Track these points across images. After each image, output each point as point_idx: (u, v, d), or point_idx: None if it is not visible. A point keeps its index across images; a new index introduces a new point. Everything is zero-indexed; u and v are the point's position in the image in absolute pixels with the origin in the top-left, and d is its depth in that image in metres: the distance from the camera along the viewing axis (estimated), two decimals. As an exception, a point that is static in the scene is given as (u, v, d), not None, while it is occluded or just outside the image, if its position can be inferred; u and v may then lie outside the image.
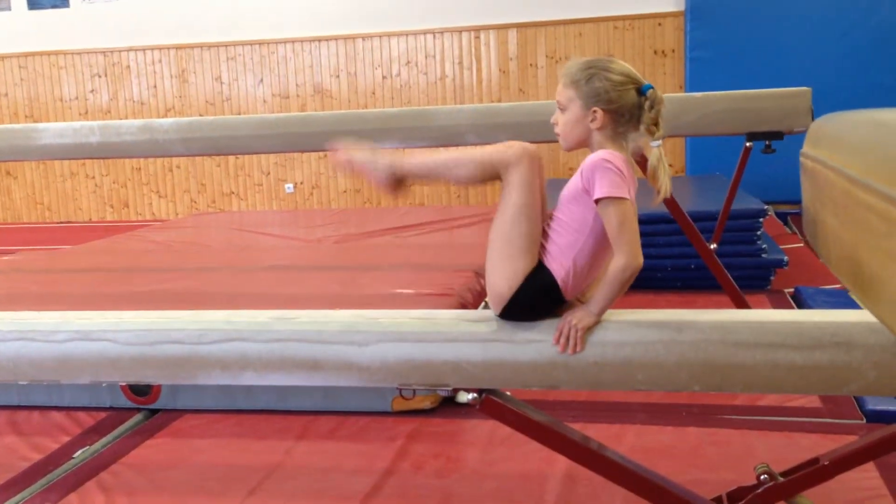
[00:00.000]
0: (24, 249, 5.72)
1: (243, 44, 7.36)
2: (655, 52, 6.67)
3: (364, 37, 7.17)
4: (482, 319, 1.74)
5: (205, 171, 7.58)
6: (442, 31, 7.03)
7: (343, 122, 3.51)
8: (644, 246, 4.29)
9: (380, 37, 7.15)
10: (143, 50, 7.51)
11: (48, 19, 7.60)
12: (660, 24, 6.64)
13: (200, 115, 7.40)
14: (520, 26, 6.90)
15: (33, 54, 7.65)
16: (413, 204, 7.13)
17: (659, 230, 4.10)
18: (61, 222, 7.79)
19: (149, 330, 1.81)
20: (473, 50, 7.01)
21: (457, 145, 3.23)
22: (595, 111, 1.68)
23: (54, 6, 7.54)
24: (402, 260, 3.92)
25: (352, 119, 3.52)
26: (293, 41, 7.30)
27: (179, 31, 7.41)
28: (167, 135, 3.52)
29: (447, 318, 1.75)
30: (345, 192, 7.41)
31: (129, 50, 7.52)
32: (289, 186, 7.49)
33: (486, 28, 6.94)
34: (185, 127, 3.57)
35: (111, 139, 3.51)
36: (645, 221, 4.12)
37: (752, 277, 4.01)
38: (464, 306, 3.13)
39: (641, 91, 1.71)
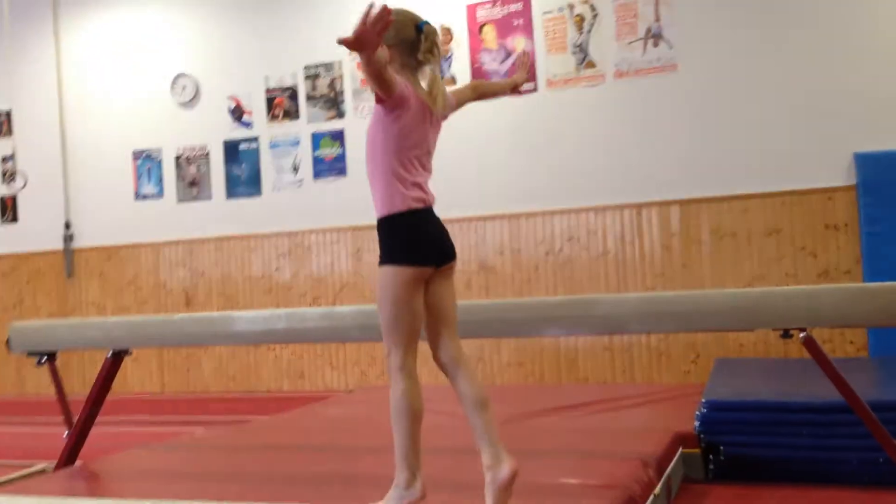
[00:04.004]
0: (210, 421, 6.14)
1: (414, 224, 7.83)
2: (827, 227, 6.51)
3: (527, 215, 7.46)
4: (650, 533, 1.72)
5: (374, 344, 7.90)
6: (604, 208, 7.21)
7: (506, 309, 3.65)
8: (824, 437, 4.05)
9: (542, 215, 7.42)
10: (323, 231, 8.13)
11: (242, 207, 8.44)
12: (830, 199, 6.51)
13: (372, 291, 7.83)
14: (682, 203, 6.96)
15: (229, 238, 8.45)
16: (577, 380, 7.09)
17: (841, 420, 3.86)
18: (243, 393, 8.29)
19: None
20: (635, 226, 7.11)
21: (620, 334, 3.26)
22: (383, 48, 2.08)
23: (249, 195, 8.39)
24: (565, 445, 3.90)
25: (515, 307, 3.65)
26: (460, 220, 7.68)
27: (357, 214, 8.00)
28: (345, 321, 3.80)
29: (614, 530, 1.75)
30: (508, 365, 7.49)
31: (310, 231, 8.18)
32: (454, 359, 7.66)
33: (649, 205, 7.05)
34: (361, 314, 3.83)
35: (296, 325, 3.82)
36: (824, 410, 3.93)
37: (950, 474, 3.67)
38: (631, 499, 3.06)
39: (419, 28, 2.19)
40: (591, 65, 7.23)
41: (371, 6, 1.94)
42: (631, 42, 7.10)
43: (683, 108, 6.99)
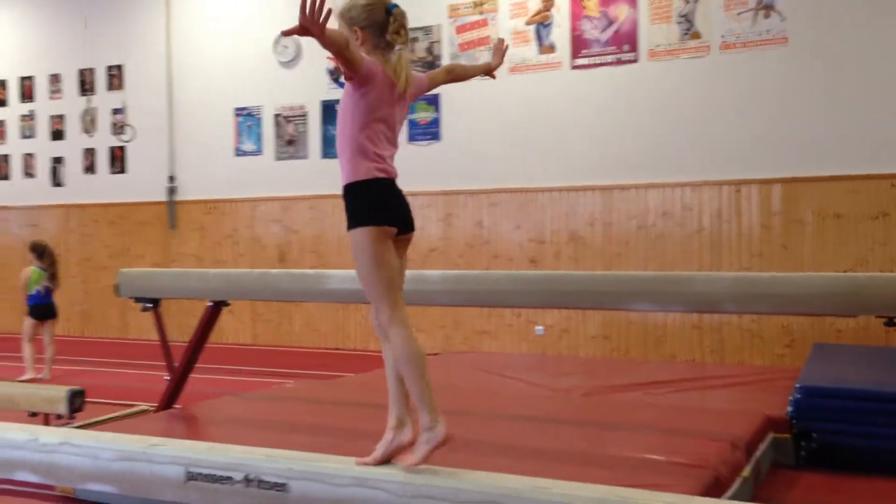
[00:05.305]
0: (299, 374, 6.33)
1: (505, 191, 7.82)
2: (940, 212, 6.19)
3: (621, 187, 7.35)
4: (739, 514, 1.70)
5: (460, 309, 7.96)
6: (701, 184, 7.03)
7: (599, 281, 3.61)
8: (884, 425, 3.86)
9: (636, 188, 7.29)
10: (415, 195, 8.14)
11: (337, 167, 8.54)
12: (944, 184, 6.19)
13: (460, 256, 7.89)
14: (785, 181, 6.73)
15: (323, 197, 8.61)
16: (664, 356, 6.99)
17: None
18: (331, 348, 8.50)
19: (413, 483, 1.97)
20: (734, 203, 6.91)
21: (714, 313, 3.20)
22: (355, 30, 2.29)
23: (344, 156, 8.51)
24: (650, 421, 3.86)
25: (607, 280, 3.61)
26: (552, 190, 7.63)
27: (449, 179, 8.03)
28: (435, 286, 3.83)
29: (703, 508, 1.74)
30: (593, 337, 7.44)
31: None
32: (539, 329, 7.66)
33: (748, 182, 6.84)
34: (451, 279, 3.86)
35: (387, 287, 3.87)
36: (887, 399, 3.75)
37: None
38: (718, 480, 3.02)
39: (388, 10, 2.32)
40: (697, 35, 7.02)
41: None
42: (740, 13, 6.85)
43: (791, 83, 6.72)
